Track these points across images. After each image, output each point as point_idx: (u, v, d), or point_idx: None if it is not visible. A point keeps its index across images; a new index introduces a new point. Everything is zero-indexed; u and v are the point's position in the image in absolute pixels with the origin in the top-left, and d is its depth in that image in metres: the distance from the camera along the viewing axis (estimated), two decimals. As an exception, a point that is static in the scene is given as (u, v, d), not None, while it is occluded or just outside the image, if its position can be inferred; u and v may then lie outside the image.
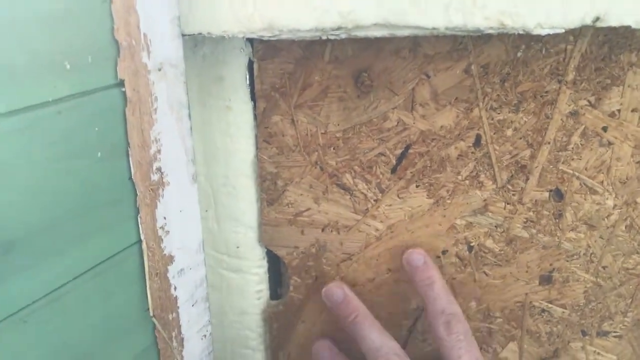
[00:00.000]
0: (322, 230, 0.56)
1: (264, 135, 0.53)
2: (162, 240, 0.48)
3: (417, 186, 0.53)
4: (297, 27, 0.44)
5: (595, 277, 0.55)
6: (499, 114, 0.50)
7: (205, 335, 0.58)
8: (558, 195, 0.52)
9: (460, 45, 0.48)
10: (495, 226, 0.54)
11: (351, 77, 0.50)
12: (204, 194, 0.56)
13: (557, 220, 0.53)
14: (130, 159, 0.43)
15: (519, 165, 0.51)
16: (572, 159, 0.51)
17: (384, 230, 0.55)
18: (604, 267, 0.54)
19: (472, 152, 0.51)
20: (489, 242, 0.55)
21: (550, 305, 0.57)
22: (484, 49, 0.48)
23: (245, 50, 0.50)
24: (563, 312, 0.57)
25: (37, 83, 0.36)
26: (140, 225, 0.46)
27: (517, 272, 0.55)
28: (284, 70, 0.50)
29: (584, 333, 0.57)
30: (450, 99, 0.50)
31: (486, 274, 0.56)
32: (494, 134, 0.50)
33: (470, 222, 0.54)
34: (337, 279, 0.56)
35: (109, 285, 0.45)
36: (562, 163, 0.51)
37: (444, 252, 0.55)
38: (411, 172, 0.53)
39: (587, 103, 0.49)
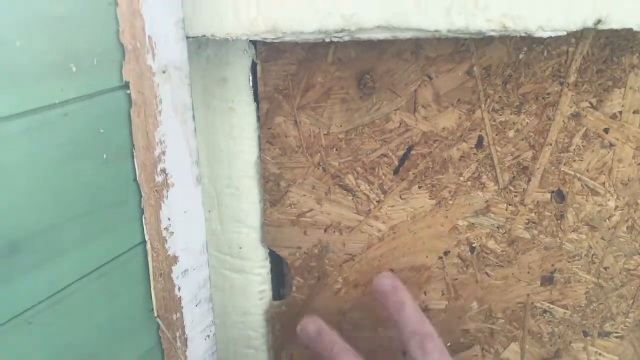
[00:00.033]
0: (325, 230, 0.56)
1: (267, 136, 0.53)
2: (166, 241, 0.48)
3: (419, 187, 0.53)
4: (300, 29, 0.44)
5: (597, 278, 0.55)
6: (500, 115, 0.50)
7: (208, 336, 0.59)
8: (560, 196, 0.53)
9: (462, 47, 0.48)
10: (497, 227, 0.54)
11: (354, 78, 0.50)
12: (207, 195, 0.56)
13: (558, 222, 0.53)
14: (135, 160, 0.44)
15: (521, 166, 0.52)
16: (574, 161, 0.51)
17: (386, 231, 0.55)
18: (605, 268, 0.55)
19: (474, 154, 0.52)
20: (491, 243, 0.55)
21: (551, 306, 0.57)
22: (486, 51, 0.48)
23: (248, 52, 0.50)
24: (565, 312, 0.57)
25: (44, 85, 0.36)
26: (144, 226, 0.46)
27: (518, 273, 0.56)
28: (287, 71, 0.50)
29: (585, 334, 0.57)
30: (452, 100, 0.50)
31: (488, 275, 0.56)
32: (496, 135, 0.51)
33: (472, 223, 0.54)
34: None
35: (114, 285, 0.45)
36: (564, 164, 0.51)
37: (446, 252, 0.56)
38: (413, 173, 0.53)
39: (588, 105, 0.49)
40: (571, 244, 0.54)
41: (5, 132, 0.35)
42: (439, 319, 0.58)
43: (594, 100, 0.49)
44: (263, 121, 0.53)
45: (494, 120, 0.50)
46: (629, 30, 0.42)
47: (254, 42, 0.50)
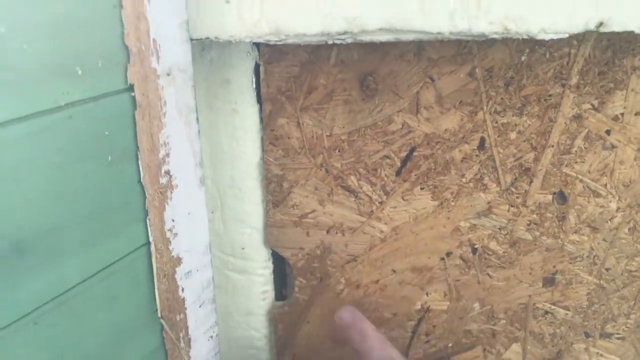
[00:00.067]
0: (327, 232, 0.56)
1: (270, 137, 0.53)
2: (170, 242, 0.49)
3: (421, 188, 0.54)
4: (304, 31, 0.44)
5: (599, 279, 0.55)
6: (503, 117, 0.50)
7: (212, 336, 0.59)
8: (561, 197, 0.53)
9: (464, 49, 0.48)
10: (499, 228, 0.54)
11: (356, 80, 0.51)
12: (210, 196, 0.56)
13: (560, 223, 0.53)
14: (139, 162, 0.44)
15: (523, 168, 0.52)
16: (576, 162, 0.51)
17: (388, 232, 0.56)
18: (607, 270, 0.55)
19: (477, 155, 0.52)
20: (493, 244, 0.55)
21: (553, 307, 0.57)
22: (488, 53, 0.48)
23: (251, 54, 0.51)
24: (566, 313, 0.57)
25: (49, 88, 0.37)
26: (148, 228, 0.46)
27: (520, 274, 0.56)
28: (289, 73, 0.51)
29: (587, 335, 0.58)
30: (454, 102, 0.50)
31: (490, 276, 0.56)
32: (498, 137, 0.51)
33: (474, 224, 0.54)
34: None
35: (118, 287, 0.45)
36: (566, 166, 0.51)
37: (448, 254, 0.56)
38: (416, 175, 0.53)
39: (590, 107, 0.49)
40: (573, 245, 0.54)
41: (11, 134, 0.35)
42: (441, 320, 0.58)
43: (595, 102, 0.49)
44: (266, 123, 0.53)
45: (496, 122, 0.50)
46: (631, 32, 0.42)
47: (257, 44, 0.50)
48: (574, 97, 0.49)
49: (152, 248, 0.47)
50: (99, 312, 0.44)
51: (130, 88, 0.42)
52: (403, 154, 0.53)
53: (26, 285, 0.38)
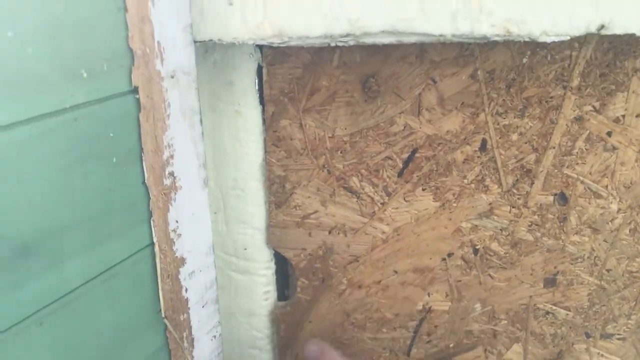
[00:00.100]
0: (329, 232, 0.57)
1: (273, 139, 0.54)
2: (174, 243, 0.49)
3: (423, 189, 0.54)
4: (307, 34, 0.45)
5: (599, 280, 0.56)
6: (504, 118, 0.50)
7: (215, 336, 0.59)
8: (563, 199, 0.53)
9: (466, 51, 0.48)
10: (501, 229, 0.55)
11: (359, 82, 0.51)
12: (213, 197, 0.56)
13: (561, 224, 0.54)
14: (144, 163, 0.44)
15: (524, 169, 0.52)
16: (577, 164, 0.51)
17: (390, 233, 0.56)
18: (608, 270, 0.55)
19: (478, 157, 0.52)
20: (494, 245, 0.55)
21: (554, 308, 0.57)
22: (490, 55, 0.48)
23: (254, 55, 0.51)
24: (567, 314, 0.57)
25: (55, 91, 0.37)
26: (153, 229, 0.47)
27: (521, 275, 0.56)
28: (292, 75, 0.51)
29: (587, 335, 0.58)
30: (456, 104, 0.50)
31: (491, 277, 0.57)
32: (500, 138, 0.51)
33: (476, 225, 0.55)
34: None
35: (122, 287, 0.46)
36: (567, 167, 0.52)
37: (450, 254, 0.56)
38: (417, 176, 0.53)
39: (591, 108, 0.49)
40: (574, 246, 0.54)
41: (17, 136, 0.35)
42: (443, 320, 0.59)
43: (597, 104, 0.49)
44: (269, 124, 0.53)
45: (498, 124, 0.51)
46: (632, 35, 0.42)
47: (260, 47, 0.50)
48: (575, 99, 0.49)
49: (156, 249, 0.47)
50: (103, 312, 0.44)
51: (135, 90, 0.42)
52: (405, 155, 0.53)
53: (31, 286, 0.38)
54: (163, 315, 0.50)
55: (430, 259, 0.56)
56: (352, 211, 0.56)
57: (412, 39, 0.44)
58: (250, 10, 0.44)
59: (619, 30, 0.42)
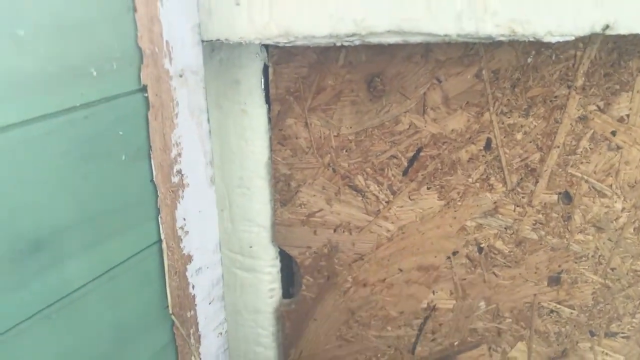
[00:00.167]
0: (334, 230, 0.57)
1: (278, 137, 0.54)
2: (181, 240, 0.49)
3: (428, 188, 0.54)
4: (313, 33, 0.45)
5: (604, 279, 0.56)
6: (509, 118, 0.51)
7: (221, 333, 0.60)
8: (567, 198, 0.53)
9: (471, 50, 0.49)
10: (505, 228, 0.55)
11: (364, 81, 0.51)
12: (219, 194, 0.57)
13: (565, 223, 0.54)
14: (152, 161, 0.45)
15: (529, 168, 0.52)
16: (581, 163, 0.52)
17: (395, 231, 0.56)
18: (612, 269, 0.55)
19: (483, 155, 0.52)
20: (499, 244, 0.56)
21: (558, 306, 0.57)
22: (495, 55, 0.49)
23: (260, 55, 0.51)
24: (571, 312, 0.57)
25: (66, 89, 0.38)
26: (160, 226, 0.47)
27: (526, 273, 0.56)
28: (298, 74, 0.51)
29: (592, 334, 0.58)
30: (461, 103, 0.51)
31: (496, 275, 0.57)
32: (504, 137, 0.51)
33: (481, 224, 0.55)
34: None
35: (131, 283, 0.46)
36: (571, 166, 0.52)
37: (455, 253, 0.56)
38: (422, 175, 0.54)
39: (596, 108, 0.50)
40: (578, 245, 0.55)
41: (28, 134, 0.36)
42: (447, 318, 0.59)
43: (601, 104, 0.49)
44: (274, 123, 0.54)
45: (503, 123, 0.51)
46: (637, 35, 0.43)
47: (266, 46, 0.51)
48: (580, 99, 0.49)
49: (164, 245, 0.48)
50: (111, 309, 0.45)
51: (144, 89, 0.43)
52: (410, 154, 0.53)
53: (40, 282, 0.39)
54: (170, 312, 0.51)
55: (435, 257, 0.57)
56: (357, 209, 0.56)
57: (418, 39, 0.45)
58: (256, 10, 0.45)
59: (623, 31, 0.42)
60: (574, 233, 0.54)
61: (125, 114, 0.42)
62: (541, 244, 0.55)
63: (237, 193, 0.57)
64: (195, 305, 0.53)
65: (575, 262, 0.55)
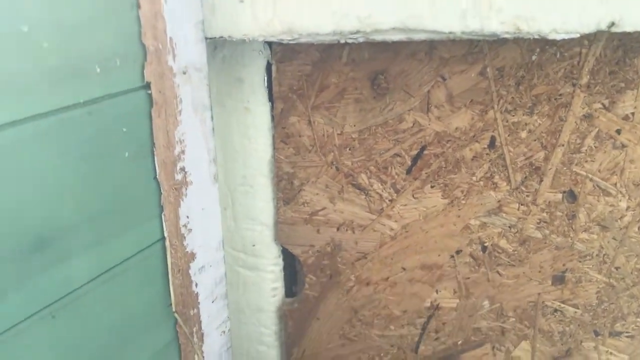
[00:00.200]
0: (338, 229, 0.57)
1: (281, 135, 0.54)
2: (184, 237, 0.49)
3: (432, 187, 0.54)
4: (316, 30, 0.45)
5: (608, 278, 0.55)
6: (513, 116, 0.50)
7: (224, 331, 0.60)
8: (571, 196, 0.53)
9: (475, 48, 0.48)
10: (509, 227, 0.55)
11: (367, 79, 0.51)
12: (222, 193, 0.57)
13: (570, 221, 0.54)
14: (155, 158, 0.45)
15: (533, 166, 0.52)
16: (586, 161, 0.51)
17: (398, 230, 0.56)
18: (616, 268, 0.55)
19: (487, 154, 0.52)
20: (503, 242, 0.55)
21: (562, 305, 0.57)
22: (499, 52, 0.48)
23: (263, 52, 0.51)
24: (575, 312, 0.57)
25: (69, 85, 0.37)
26: (164, 223, 0.47)
27: (530, 272, 0.56)
28: (301, 72, 0.51)
29: (596, 333, 0.58)
30: (465, 101, 0.51)
31: (499, 274, 0.57)
32: (509, 135, 0.51)
33: (485, 223, 0.55)
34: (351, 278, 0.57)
35: (134, 281, 0.46)
36: (576, 165, 0.52)
37: (458, 251, 0.56)
38: (426, 173, 0.54)
39: (601, 106, 0.49)
40: (582, 243, 0.54)
41: (32, 131, 0.36)
42: (451, 317, 0.59)
43: (606, 102, 0.49)
44: (277, 121, 0.54)
45: (507, 121, 0.51)
46: (643, 32, 0.42)
47: (269, 43, 0.51)
48: (585, 97, 0.49)
49: (167, 243, 0.48)
50: (114, 306, 0.45)
51: (147, 86, 0.43)
52: (414, 153, 0.53)
53: (44, 279, 0.39)
54: (173, 310, 0.50)
55: (439, 256, 0.56)
56: (361, 208, 0.56)
57: (422, 36, 0.45)
58: (260, 7, 0.45)
59: (629, 28, 0.42)
60: (579, 232, 0.54)
61: (128, 111, 0.42)
62: (545, 243, 0.55)
63: (239, 191, 0.57)
64: (199, 303, 0.53)
65: (580, 261, 0.55)
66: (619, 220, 0.53)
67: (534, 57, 0.48)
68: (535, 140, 0.51)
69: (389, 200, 0.55)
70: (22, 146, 0.35)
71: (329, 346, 0.62)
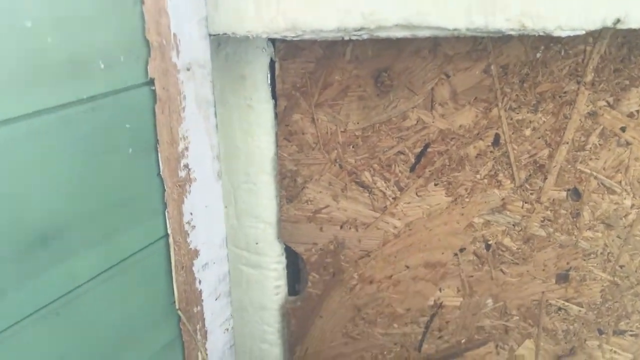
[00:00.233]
0: (341, 227, 0.57)
1: (285, 133, 0.54)
2: (188, 234, 0.49)
3: (435, 184, 0.54)
4: (320, 27, 0.45)
5: (612, 276, 0.55)
6: (517, 113, 0.50)
7: (227, 329, 0.60)
8: (576, 194, 0.53)
9: (479, 45, 0.48)
10: (513, 225, 0.54)
11: (371, 76, 0.51)
12: (225, 190, 0.57)
13: (574, 219, 0.54)
14: (159, 155, 0.45)
15: (537, 164, 0.52)
16: (590, 159, 0.51)
17: (402, 228, 0.56)
18: (621, 266, 0.55)
19: (491, 152, 0.52)
20: (507, 241, 0.55)
21: (566, 304, 0.57)
22: (504, 50, 0.48)
23: (267, 50, 0.51)
24: (580, 310, 0.57)
25: (73, 81, 0.37)
26: (167, 220, 0.47)
27: (534, 271, 0.56)
28: (305, 69, 0.51)
29: (600, 332, 0.58)
30: (469, 98, 0.50)
31: (503, 272, 0.56)
32: (513, 133, 0.51)
33: (488, 221, 0.55)
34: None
35: (137, 278, 0.46)
36: (580, 163, 0.51)
37: (462, 250, 0.56)
38: (430, 171, 0.53)
39: (605, 104, 0.49)
40: (587, 242, 0.54)
41: (35, 126, 0.36)
42: (454, 316, 0.59)
43: (611, 99, 0.49)
44: (280, 118, 0.53)
45: (511, 119, 0.51)
46: (648, 29, 0.42)
47: (272, 41, 0.51)
48: (589, 94, 0.49)
49: (171, 240, 0.47)
50: (117, 303, 0.45)
51: (151, 82, 0.43)
52: (417, 150, 0.53)
53: (48, 275, 0.38)
54: (177, 307, 0.50)
55: (442, 254, 0.56)
56: (364, 206, 0.56)
57: (427, 33, 0.44)
58: (264, 4, 0.45)
59: (634, 25, 0.42)
60: (583, 230, 0.54)
61: (132, 107, 0.42)
62: (549, 241, 0.55)
63: (242, 189, 0.57)
64: (202, 300, 0.53)
65: (584, 260, 0.55)
66: (623, 219, 0.53)
67: (538, 55, 0.48)
68: (539, 138, 0.51)
69: (393, 198, 0.55)
70: (25, 142, 0.35)
71: (332, 344, 0.62)
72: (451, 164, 0.53)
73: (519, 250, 0.55)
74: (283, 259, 0.60)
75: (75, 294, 0.41)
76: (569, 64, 0.48)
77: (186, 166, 0.48)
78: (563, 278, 0.56)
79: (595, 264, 0.55)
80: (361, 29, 0.45)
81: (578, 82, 0.49)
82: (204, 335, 0.55)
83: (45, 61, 0.35)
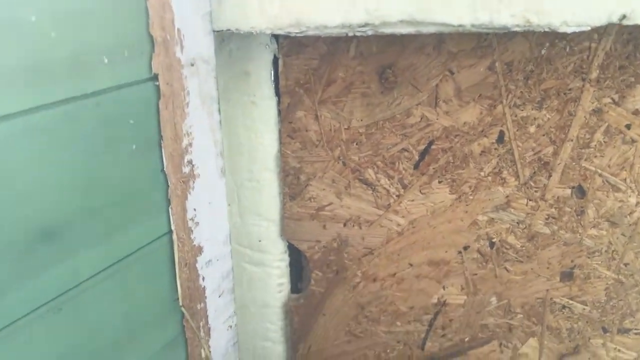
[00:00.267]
0: (344, 224, 0.57)
1: (288, 130, 0.54)
2: (191, 231, 0.49)
3: (439, 182, 0.54)
4: (324, 23, 0.45)
5: (617, 274, 0.55)
6: (522, 110, 0.50)
7: (230, 326, 0.59)
8: (580, 192, 0.53)
9: (484, 42, 0.48)
10: (517, 222, 0.54)
11: (375, 73, 0.51)
12: (228, 188, 0.57)
13: (579, 217, 0.53)
14: (163, 151, 0.45)
15: (542, 162, 0.52)
16: (595, 156, 0.51)
17: (405, 226, 0.56)
18: (625, 264, 0.55)
19: (495, 149, 0.52)
20: (511, 238, 0.55)
21: (571, 302, 0.57)
22: (508, 46, 0.48)
23: (270, 46, 0.51)
24: (584, 308, 0.57)
25: (77, 76, 0.37)
26: (171, 217, 0.47)
27: (538, 268, 0.56)
28: (308, 66, 0.51)
29: (604, 330, 0.57)
30: (473, 95, 0.50)
31: (507, 270, 0.56)
32: (517, 130, 0.51)
33: (492, 218, 0.54)
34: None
35: (140, 274, 0.46)
36: (585, 160, 0.51)
37: (466, 247, 0.56)
38: (434, 168, 0.53)
39: (610, 101, 0.49)
40: (591, 239, 0.54)
41: (39, 121, 0.35)
42: (458, 314, 0.58)
43: (616, 96, 0.49)
44: (284, 115, 0.53)
45: (515, 116, 0.50)
46: (654, 25, 0.42)
47: (276, 37, 0.51)
48: (594, 91, 0.49)
49: (174, 237, 0.47)
50: (120, 300, 0.45)
51: (155, 77, 0.43)
52: (421, 147, 0.53)
53: (50, 272, 0.38)
54: (180, 304, 0.50)
55: (446, 251, 0.56)
56: (367, 203, 0.55)
57: (431, 29, 0.44)
58: (268, 0, 0.44)
59: (640, 20, 0.42)
60: (587, 228, 0.54)
61: (136, 102, 0.42)
62: (554, 239, 0.54)
63: (246, 187, 0.56)
64: (205, 297, 0.53)
65: (588, 257, 0.55)
66: (628, 216, 0.53)
67: (543, 51, 0.48)
68: (544, 135, 0.51)
69: (396, 196, 0.55)
70: (28, 137, 0.35)
71: (335, 342, 0.62)
72: (455, 161, 0.53)
73: (523, 248, 0.55)
74: (286, 257, 0.60)
75: (78, 291, 0.41)
76: (574, 61, 0.48)
77: (190, 162, 0.47)
78: (567, 276, 0.56)
79: (599, 262, 0.55)
80: (365, 24, 0.45)
81: (583, 79, 0.48)
82: (207, 332, 0.54)
83: (49, 56, 0.35)
